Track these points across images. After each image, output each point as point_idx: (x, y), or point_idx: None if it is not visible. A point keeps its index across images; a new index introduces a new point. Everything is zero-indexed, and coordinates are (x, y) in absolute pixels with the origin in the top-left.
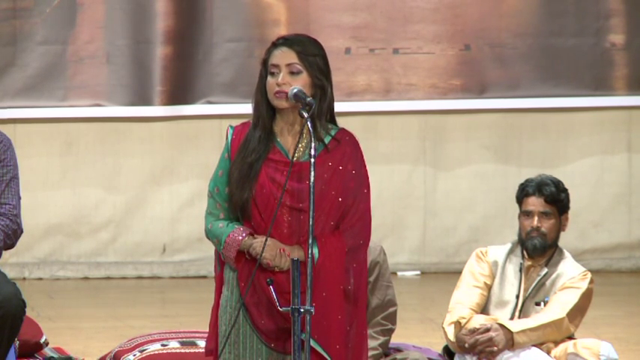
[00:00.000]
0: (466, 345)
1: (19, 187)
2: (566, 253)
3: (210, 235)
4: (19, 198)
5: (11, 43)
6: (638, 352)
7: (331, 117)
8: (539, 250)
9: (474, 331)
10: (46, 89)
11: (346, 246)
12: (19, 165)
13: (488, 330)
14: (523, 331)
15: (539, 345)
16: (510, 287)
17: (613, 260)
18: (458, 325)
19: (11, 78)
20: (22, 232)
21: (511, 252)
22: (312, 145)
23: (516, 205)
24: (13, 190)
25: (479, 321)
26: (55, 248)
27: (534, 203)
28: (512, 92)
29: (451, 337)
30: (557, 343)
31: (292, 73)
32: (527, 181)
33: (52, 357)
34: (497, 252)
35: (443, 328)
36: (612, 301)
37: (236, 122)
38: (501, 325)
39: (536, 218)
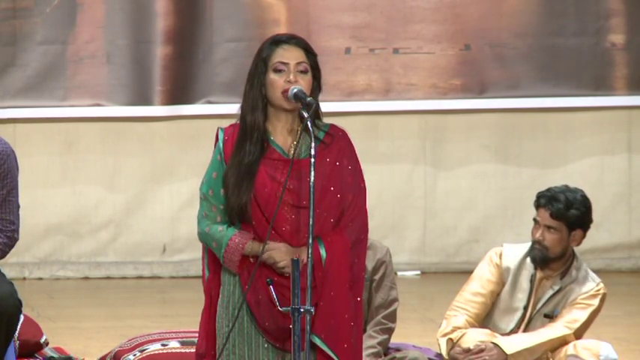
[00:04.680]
0: None
1: (18, 197)
2: (584, 266)
3: (207, 238)
4: (18, 207)
5: (11, 43)
6: (638, 352)
7: (319, 114)
8: (538, 261)
9: (467, 351)
10: (46, 89)
11: (350, 242)
12: (20, 167)
13: (482, 350)
14: (519, 352)
15: None
16: (520, 296)
17: (613, 260)
18: (450, 341)
19: (11, 78)
20: (17, 240)
21: (525, 257)
22: (312, 145)
23: (516, 205)
24: (11, 203)
25: (473, 338)
26: (55, 248)
27: (542, 215)
28: (512, 92)
29: (444, 352)
30: (554, 349)
31: (301, 71)
32: (547, 189)
33: (52, 357)
34: (513, 255)
35: (437, 338)
36: (612, 301)
37: (231, 123)
38: (495, 345)
39: (540, 231)
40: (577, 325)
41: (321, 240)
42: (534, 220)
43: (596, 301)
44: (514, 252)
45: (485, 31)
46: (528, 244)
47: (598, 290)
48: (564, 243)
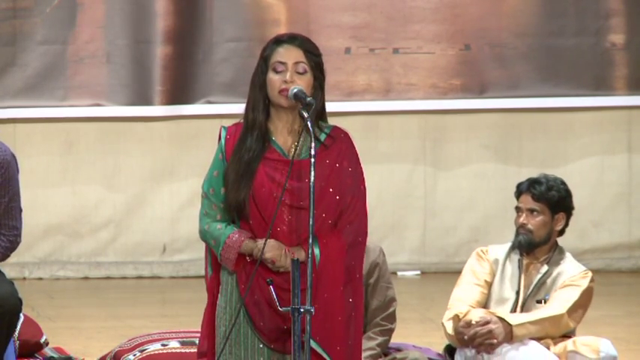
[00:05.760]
0: (465, 337)
1: (20, 201)
2: (567, 253)
3: (206, 236)
4: (21, 211)
5: (11, 43)
6: (638, 351)
7: (323, 115)
8: (524, 246)
9: (471, 324)
10: (46, 89)
11: (346, 244)
12: (20, 167)
13: (487, 322)
14: (522, 325)
15: (538, 340)
16: (510, 284)
17: (613, 260)
18: (456, 318)
19: (11, 78)
20: (19, 243)
21: (511, 250)
22: (312, 145)
23: None
24: (14, 209)
25: (478, 314)
26: (55, 248)
27: (523, 200)
28: (512, 92)
29: (450, 331)
30: (556, 342)
31: (299, 72)
32: (526, 179)
33: (52, 357)
34: (498, 250)
35: (442, 324)
36: (612, 301)
37: (234, 122)
38: (500, 319)
39: (523, 215)
40: (570, 303)
41: (316, 240)
42: (516, 208)
43: (585, 282)
44: (499, 248)
45: (485, 31)
46: (510, 244)
47: (586, 273)
48: (548, 226)
